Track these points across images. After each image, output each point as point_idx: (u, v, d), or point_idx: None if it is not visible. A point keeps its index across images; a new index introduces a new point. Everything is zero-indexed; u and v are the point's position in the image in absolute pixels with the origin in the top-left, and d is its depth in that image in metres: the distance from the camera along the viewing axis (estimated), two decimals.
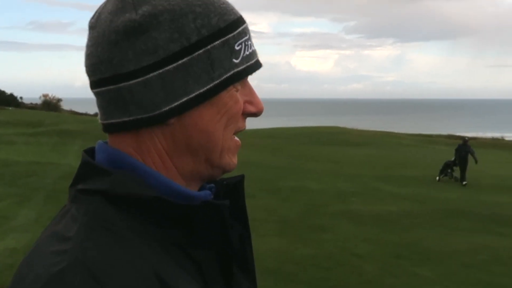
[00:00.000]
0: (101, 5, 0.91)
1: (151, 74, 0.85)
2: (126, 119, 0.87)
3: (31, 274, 0.77)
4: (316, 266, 9.27)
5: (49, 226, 0.88)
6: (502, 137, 48.12)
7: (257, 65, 0.94)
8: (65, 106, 55.34)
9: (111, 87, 0.87)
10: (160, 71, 0.85)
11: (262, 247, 10.22)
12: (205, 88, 0.87)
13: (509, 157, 31.14)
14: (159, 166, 0.89)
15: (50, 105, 51.11)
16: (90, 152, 0.93)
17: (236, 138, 0.96)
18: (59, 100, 53.54)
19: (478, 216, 13.92)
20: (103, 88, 0.88)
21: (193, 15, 0.86)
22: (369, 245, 10.72)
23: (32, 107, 52.15)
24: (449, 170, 20.61)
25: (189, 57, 0.86)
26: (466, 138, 22.75)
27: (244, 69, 0.91)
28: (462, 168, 20.20)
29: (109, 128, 0.90)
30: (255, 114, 0.97)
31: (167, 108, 0.86)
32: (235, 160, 0.96)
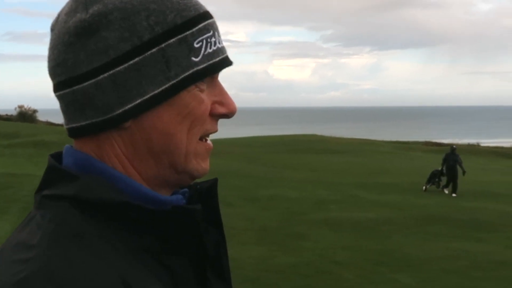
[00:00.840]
0: (63, 7, 0.88)
1: (102, 76, 0.81)
2: (83, 123, 0.84)
3: None
4: (296, 274, 9.24)
5: (13, 233, 0.84)
6: (478, 143, 48.67)
7: (223, 63, 0.89)
8: (41, 117, 54.73)
9: (67, 90, 0.83)
10: (111, 72, 0.81)
11: (241, 255, 10.18)
12: (160, 89, 0.82)
13: (485, 163, 31.51)
14: (120, 171, 0.85)
15: (25, 116, 50.53)
16: (57, 156, 0.89)
17: (208, 141, 0.91)
18: (34, 111, 52.96)
19: (457, 222, 14.02)
20: (61, 92, 0.85)
21: (146, 13, 0.82)
22: (348, 253, 10.72)
23: (7, 118, 51.49)
24: (436, 179, 20.04)
25: (141, 57, 0.81)
26: (454, 146, 21.76)
27: (206, 67, 0.85)
28: (451, 178, 19.53)
29: (71, 133, 0.87)
30: (227, 116, 0.91)
31: (120, 110, 0.82)
32: (205, 165, 0.90)
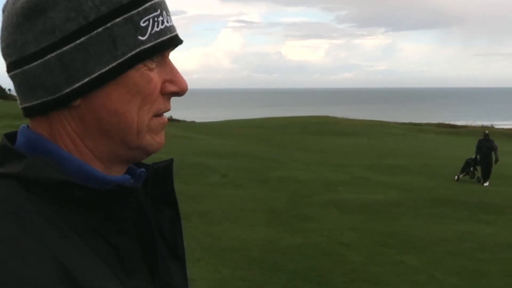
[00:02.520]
0: None
1: (49, 56, 0.83)
2: (34, 102, 0.86)
3: None
4: (302, 255, 9.30)
5: None
6: (492, 125, 48.35)
7: (171, 42, 0.90)
8: None
9: (18, 70, 0.86)
10: (58, 51, 0.83)
11: (249, 237, 10.25)
12: (107, 68, 0.84)
13: (498, 145, 31.28)
14: (72, 149, 0.87)
15: None
16: (12, 136, 0.91)
17: (163, 116, 0.92)
18: None
19: (465, 204, 14.00)
20: (13, 72, 0.87)
21: None
22: (355, 234, 10.76)
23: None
24: (471, 169, 18.71)
25: (87, 36, 0.83)
26: (487, 132, 20.26)
27: (153, 46, 0.86)
28: (485, 167, 18.32)
29: (25, 113, 0.89)
30: (178, 94, 0.92)
31: (68, 89, 0.84)
32: (159, 139, 0.92)
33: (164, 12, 0.89)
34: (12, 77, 0.88)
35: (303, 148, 25.88)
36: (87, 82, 0.84)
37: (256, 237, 10.22)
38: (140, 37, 0.86)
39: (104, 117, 0.86)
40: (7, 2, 0.88)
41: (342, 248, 9.82)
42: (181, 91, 0.92)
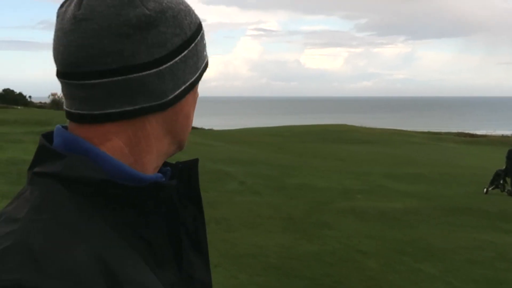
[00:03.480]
0: None
1: (164, 66, 0.92)
2: (129, 108, 0.91)
3: None
4: (319, 262, 9.29)
5: (5, 207, 0.91)
6: None
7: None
8: None
9: (119, 78, 0.89)
10: (171, 63, 0.93)
11: (267, 243, 10.27)
12: (194, 77, 0.98)
13: None
14: (145, 150, 0.94)
15: (58, 104, 51.25)
16: (49, 136, 0.97)
17: None
18: None
19: (484, 213, 13.89)
20: (105, 80, 0.89)
21: (183, 13, 0.96)
22: (372, 242, 10.73)
23: (41, 106, 52.28)
24: (501, 181, 17.56)
25: (187, 50, 0.95)
26: None
27: (207, 60, 1.03)
28: None
29: (99, 118, 0.92)
30: None
31: (172, 96, 0.94)
32: None
33: None
34: (102, 84, 0.90)
35: (321, 156, 25.85)
36: (184, 89, 0.96)
37: (273, 244, 10.23)
38: (205, 53, 1.01)
39: (179, 120, 0.98)
40: (91, 12, 0.89)
41: (360, 256, 9.79)
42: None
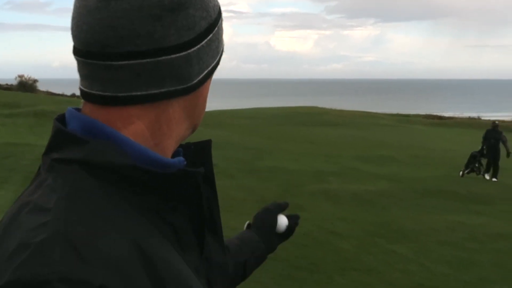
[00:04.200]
0: None
1: (192, 49, 0.90)
2: (156, 91, 0.89)
3: (11, 245, 0.77)
4: (294, 244, 9.33)
5: (22, 196, 0.88)
6: (479, 117, 48.66)
7: None
8: (41, 87, 54.47)
9: (148, 60, 0.87)
10: (198, 46, 0.91)
11: (241, 226, 10.15)
12: (215, 61, 0.97)
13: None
14: (165, 134, 0.92)
15: (26, 86, 50.33)
16: (62, 119, 0.93)
17: None
18: (35, 81, 52.72)
19: (454, 194, 14.13)
20: (134, 61, 0.87)
21: None
22: (346, 224, 10.84)
23: (8, 88, 51.28)
24: (476, 165, 17.32)
25: (212, 34, 0.94)
26: (496, 122, 18.40)
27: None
28: (493, 160, 16.99)
29: (123, 100, 0.89)
30: None
31: (196, 80, 0.92)
32: None
33: None
34: (128, 66, 0.87)
35: (293, 138, 25.95)
36: (207, 73, 0.95)
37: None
38: (223, 36, 0.99)
39: (199, 103, 0.97)
40: None
41: (334, 238, 9.89)
42: None
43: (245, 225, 1.66)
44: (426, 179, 16.37)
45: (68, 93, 54.73)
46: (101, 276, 0.74)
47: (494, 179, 16.40)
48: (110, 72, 0.87)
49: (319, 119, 36.84)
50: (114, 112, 0.89)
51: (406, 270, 8.35)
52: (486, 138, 17.45)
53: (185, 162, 0.97)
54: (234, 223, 10.56)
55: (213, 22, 0.94)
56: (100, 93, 0.89)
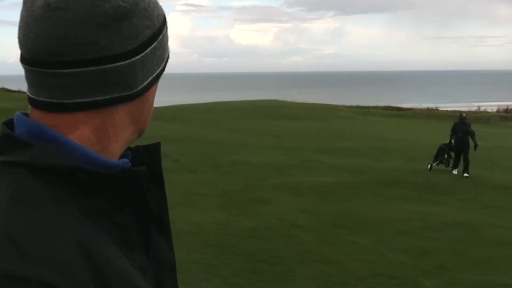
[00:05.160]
0: None
1: (136, 57, 0.94)
2: (100, 98, 0.92)
3: None
4: (256, 237, 9.44)
5: None
6: (437, 107, 49.37)
7: None
8: None
9: (93, 68, 0.90)
10: (142, 54, 0.94)
11: (204, 220, 10.33)
12: (160, 68, 1.00)
13: (443, 127, 32.06)
14: (110, 139, 0.95)
15: None
16: (10, 123, 0.96)
17: None
18: None
19: (413, 184, 14.40)
20: (79, 69, 0.90)
21: (152, 5, 0.97)
22: (307, 216, 10.97)
23: None
24: (445, 156, 16.97)
25: (156, 42, 0.97)
26: (464, 114, 17.78)
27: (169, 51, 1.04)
28: (460, 152, 16.46)
29: (69, 107, 0.92)
30: None
31: (141, 86, 0.96)
32: None
33: None
34: (75, 73, 0.90)
35: (255, 132, 25.99)
36: (152, 79, 0.98)
37: (210, 221, 10.30)
38: (168, 43, 1.03)
39: (145, 109, 1.00)
40: (67, 2, 0.89)
41: (295, 230, 10.00)
42: None
43: None
44: (385, 169, 16.61)
45: (26, 89, 53.58)
46: (42, 272, 0.77)
47: (466, 174, 15.85)
48: (56, 80, 0.91)
49: (280, 112, 36.94)
50: (60, 118, 0.92)
51: (365, 260, 8.51)
52: (454, 131, 17.07)
53: (130, 164, 1.00)
54: (196, 217, 10.62)
55: (157, 31, 0.97)
56: (47, 100, 0.92)
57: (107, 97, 0.92)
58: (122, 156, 1.03)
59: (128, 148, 1.06)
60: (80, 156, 0.91)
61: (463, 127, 16.73)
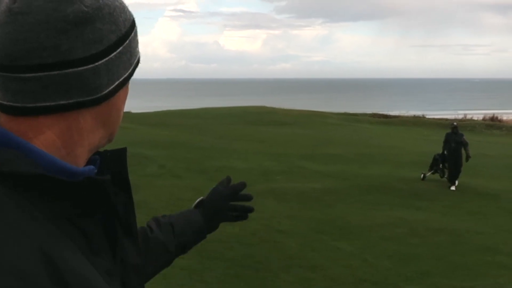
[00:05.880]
0: None
1: (100, 62, 0.94)
2: (64, 102, 0.92)
3: None
4: (240, 243, 9.44)
5: None
6: (423, 115, 49.64)
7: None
8: None
9: (55, 72, 0.91)
10: (106, 58, 0.95)
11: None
12: (127, 73, 1.01)
13: (429, 134, 32.27)
14: (76, 143, 0.96)
15: None
16: None
17: None
18: None
19: (398, 191, 14.46)
20: (41, 74, 0.90)
21: (118, 10, 0.98)
22: (292, 222, 10.98)
23: None
24: (440, 166, 16.55)
25: (122, 46, 0.98)
26: (455, 124, 17.20)
27: (139, 56, 1.06)
28: (454, 165, 15.88)
29: (32, 111, 0.93)
30: None
31: (106, 91, 0.96)
32: None
33: None
34: (36, 78, 0.91)
35: (241, 137, 25.99)
36: (117, 84, 0.98)
37: None
38: (137, 49, 1.03)
39: (112, 114, 1.01)
40: (29, 6, 0.90)
41: (279, 236, 10.01)
42: None
43: (196, 202, 1.77)
44: (370, 176, 16.67)
45: None
46: (3, 281, 0.77)
47: (452, 188, 15.29)
48: (20, 84, 0.91)
49: (267, 118, 36.98)
50: (26, 122, 0.93)
51: (349, 265, 8.54)
52: (446, 142, 16.48)
53: (96, 170, 1.02)
54: None
55: (123, 36, 0.98)
56: (11, 104, 0.93)
57: (70, 101, 0.93)
58: (91, 161, 1.05)
59: (97, 153, 1.07)
60: (45, 162, 0.92)
61: (455, 138, 16.21)
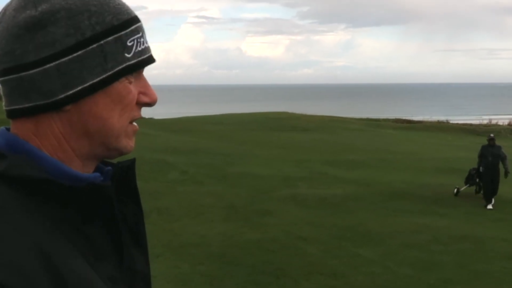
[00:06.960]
0: (8, 2, 1.00)
1: (49, 65, 0.95)
2: (26, 105, 0.97)
3: None
4: (261, 249, 9.42)
5: None
6: (447, 120, 49.22)
7: (149, 60, 1.05)
8: None
9: (13, 76, 0.96)
10: (57, 62, 0.95)
11: (209, 232, 10.33)
12: (98, 79, 0.97)
13: (453, 140, 31.98)
14: (56, 148, 0.99)
15: None
16: None
17: (134, 124, 1.06)
18: None
19: (420, 197, 14.33)
20: (6, 77, 0.97)
21: (88, 14, 0.97)
22: (313, 228, 10.94)
23: None
24: (476, 180, 14.98)
25: (83, 50, 0.96)
26: (492, 135, 15.39)
27: (136, 63, 1.01)
28: (489, 182, 14.15)
29: (11, 114, 0.99)
30: (149, 104, 1.07)
31: (62, 95, 0.96)
32: (132, 143, 1.06)
33: (143, 35, 1.05)
34: (5, 82, 0.98)
35: (263, 144, 25.97)
36: (80, 89, 0.97)
37: (215, 233, 10.30)
38: (127, 55, 1.00)
39: (90, 121, 0.99)
40: (3, 15, 0.98)
41: (300, 242, 9.98)
42: (152, 102, 1.07)
43: None
44: (392, 182, 16.54)
45: None
46: (1, 275, 0.81)
47: (489, 207, 13.69)
48: (2, 89, 0.99)
49: (289, 125, 36.90)
50: (15, 125, 1.00)
51: (370, 272, 8.47)
52: (483, 156, 14.75)
53: (101, 178, 1.04)
54: (201, 229, 10.63)
55: (85, 40, 0.96)
56: (4, 107, 1.00)
57: (29, 105, 0.97)
58: (104, 172, 1.07)
59: (110, 164, 1.10)
60: (50, 168, 0.96)
61: (492, 150, 14.50)
